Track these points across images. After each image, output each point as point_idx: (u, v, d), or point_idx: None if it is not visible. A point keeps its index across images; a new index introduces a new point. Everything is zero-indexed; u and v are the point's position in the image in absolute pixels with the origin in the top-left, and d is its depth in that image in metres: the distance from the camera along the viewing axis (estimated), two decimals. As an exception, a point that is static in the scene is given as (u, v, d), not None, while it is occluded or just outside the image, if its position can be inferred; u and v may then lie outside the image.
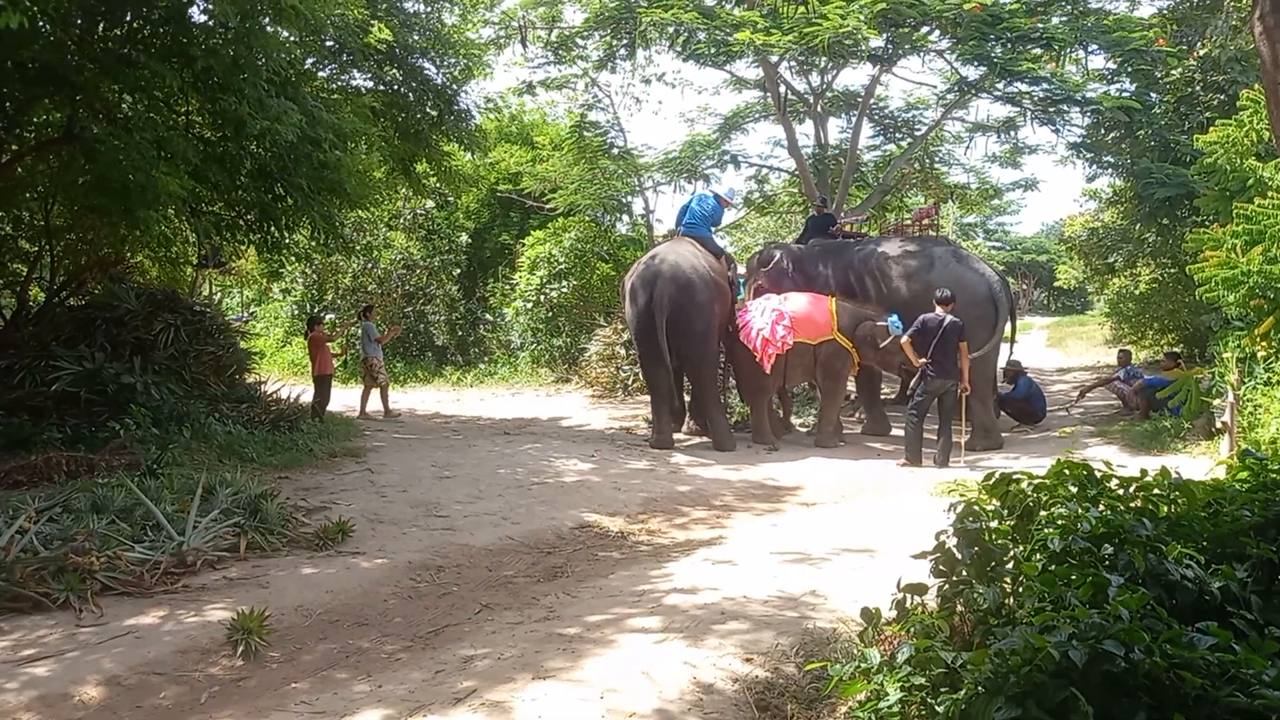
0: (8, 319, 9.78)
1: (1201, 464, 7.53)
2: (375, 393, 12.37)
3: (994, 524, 3.04)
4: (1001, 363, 11.35)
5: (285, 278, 18.03)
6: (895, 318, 9.73)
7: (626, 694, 3.52)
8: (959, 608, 2.76)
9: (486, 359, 18.29)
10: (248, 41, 7.01)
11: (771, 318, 10.32)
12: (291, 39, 7.65)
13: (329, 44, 9.66)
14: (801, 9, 11.46)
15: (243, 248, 10.97)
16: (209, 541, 5.42)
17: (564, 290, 17.05)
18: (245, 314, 20.08)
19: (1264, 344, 8.07)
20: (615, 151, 16.86)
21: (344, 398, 13.73)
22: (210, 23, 7.24)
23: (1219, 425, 8.14)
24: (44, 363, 8.51)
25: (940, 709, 2.21)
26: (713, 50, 13.12)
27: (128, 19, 6.91)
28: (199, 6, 7.38)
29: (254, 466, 7.78)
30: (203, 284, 15.44)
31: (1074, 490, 3.20)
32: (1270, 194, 8.56)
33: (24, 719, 3.39)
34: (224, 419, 8.87)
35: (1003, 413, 11.23)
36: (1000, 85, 14.30)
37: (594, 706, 3.43)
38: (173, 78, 6.97)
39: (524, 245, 18.20)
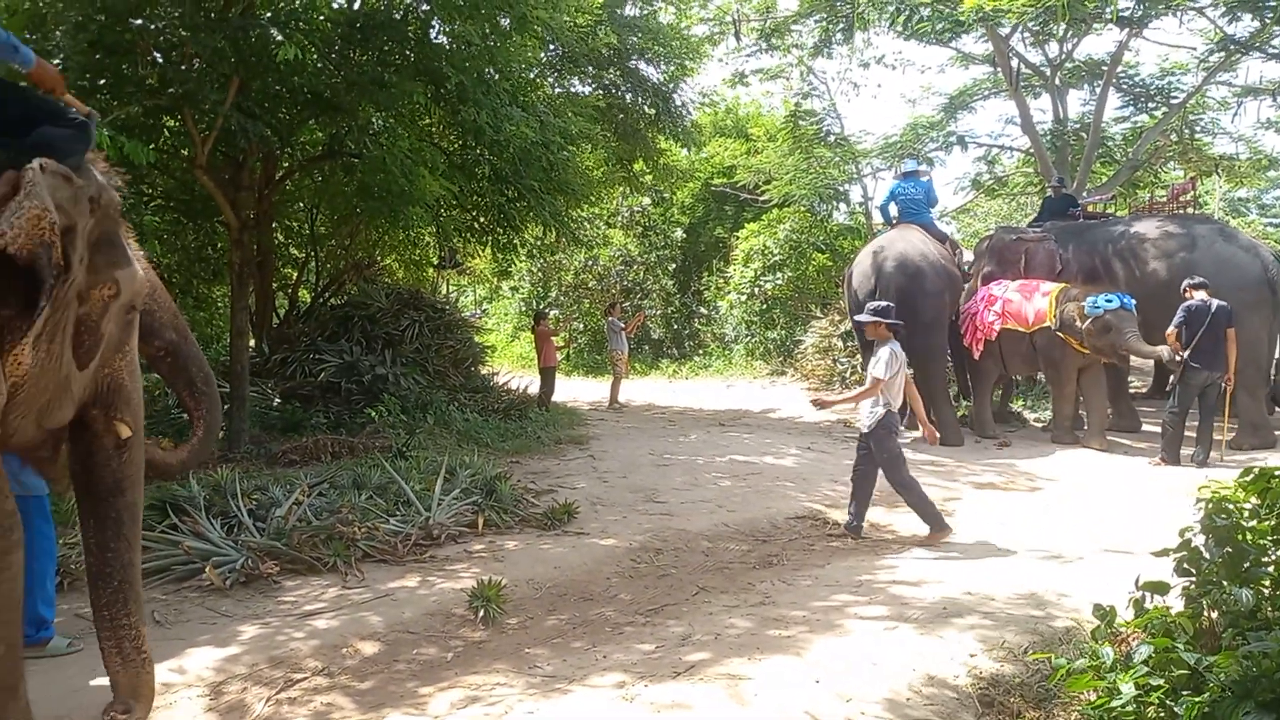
0: (281, 317, 11.09)
1: None
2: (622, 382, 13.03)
3: (1251, 523, 2.76)
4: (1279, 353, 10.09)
5: (513, 276, 19.16)
6: (1097, 298, 8.86)
7: (844, 677, 3.52)
8: (1206, 609, 2.54)
9: (701, 351, 18.54)
10: (489, 57, 7.57)
11: (985, 303, 9.84)
12: (527, 50, 8.18)
13: (555, 51, 10.19)
14: None
15: (479, 248, 11.80)
16: (451, 517, 5.91)
17: (778, 282, 16.96)
18: (478, 310, 21.55)
19: None
20: (831, 139, 16.57)
21: (568, 388, 14.44)
22: (452, 43, 7.86)
23: None
24: (311, 356, 9.59)
25: (1180, 711, 2.06)
26: (937, 26, 12.56)
27: (381, 43, 7.65)
28: (439, 28, 8.03)
29: (488, 451, 8.37)
30: (441, 283, 16.72)
31: (1350, 488, 2.84)
32: None
33: (310, 664, 3.88)
34: (462, 407, 9.60)
35: (1278, 409, 9.99)
36: (1277, 41, 12.70)
37: (810, 688, 3.45)
38: (419, 95, 7.65)
39: (738, 238, 18.29)
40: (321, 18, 7.59)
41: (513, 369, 15.46)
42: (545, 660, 3.93)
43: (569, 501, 6.47)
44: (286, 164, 9.42)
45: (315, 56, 7.12)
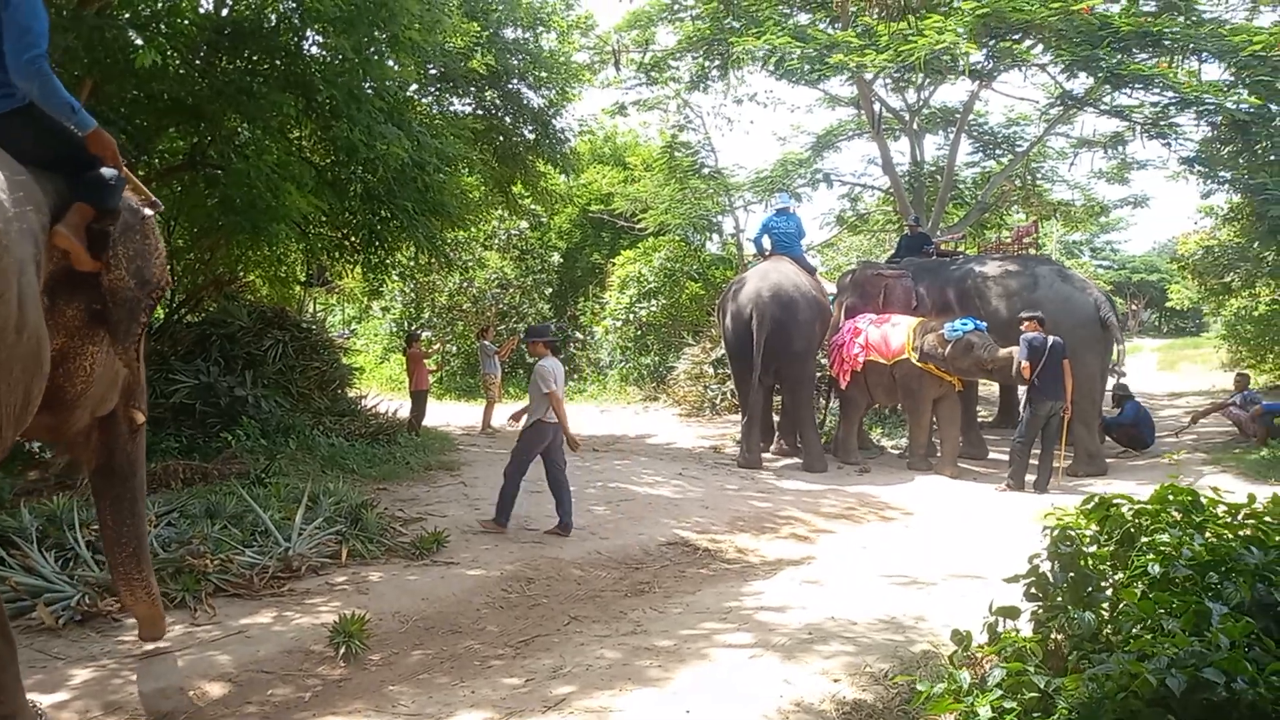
0: (133, 334, 10.39)
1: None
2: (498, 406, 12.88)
3: (1092, 549, 2.95)
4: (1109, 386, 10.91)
5: (385, 296, 18.68)
6: (954, 324, 9.45)
7: (711, 708, 3.54)
8: (1053, 633, 2.70)
9: (576, 376, 18.55)
10: (363, 71, 7.38)
11: (850, 335, 10.32)
12: (400, 69, 8.01)
13: (433, 71, 10.04)
14: (897, 25, 11.33)
15: (349, 267, 11.45)
16: (313, 548, 5.65)
17: (653, 309, 17.19)
18: (347, 331, 20.88)
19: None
20: (706, 171, 16.97)
21: (439, 412, 14.13)
22: (325, 55, 7.64)
23: (1346, 454, 7.67)
24: (164, 376, 9.03)
25: (1032, 734, 2.17)
26: (806, 69, 13.09)
27: (249, 52, 7.35)
28: (312, 40, 7.79)
29: (354, 477, 8.07)
30: (308, 302, 16.13)
31: (1178, 516, 3.09)
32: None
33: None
34: (327, 431, 9.23)
35: (1108, 438, 10.79)
36: (1107, 98, 13.85)
37: (682, 718, 3.46)
38: (290, 107, 7.38)
39: (614, 264, 18.45)
40: (185, 22, 7.23)
41: (382, 392, 15.02)
42: (409, 698, 3.80)
43: (439, 530, 6.31)
44: (143, 173, 8.89)
45: (178, 62, 6.76)
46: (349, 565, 5.66)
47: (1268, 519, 3.05)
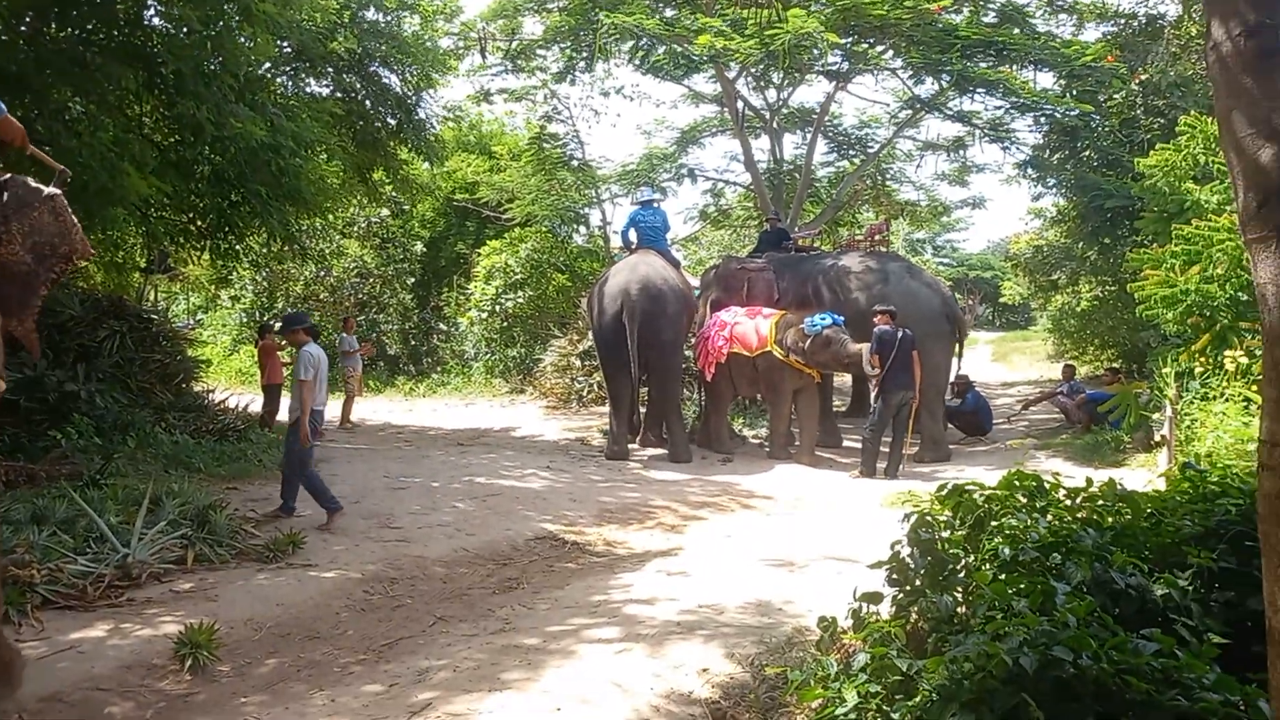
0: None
1: (1141, 476, 7.76)
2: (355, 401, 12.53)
3: (946, 534, 3.11)
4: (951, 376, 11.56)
5: (234, 285, 17.73)
6: (814, 319, 9.81)
7: (581, 705, 3.53)
8: (914, 616, 2.82)
9: (440, 369, 18.15)
10: (211, 46, 6.92)
11: (716, 328, 10.53)
12: (253, 44, 7.55)
13: (288, 49, 9.55)
14: (766, 12, 11.60)
15: (195, 254, 10.77)
16: (155, 554, 5.29)
17: (519, 301, 17.01)
18: (192, 321, 19.68)
19: (1200, 360, 8.34)
20: (574, 163, 16.90)
21: (294, 407, 13.55)
22: (169, 27, 7.13)
23: (1158, 438, 8.40)
24: (-19, 369, 8.25)
25: (896, 715, 2.26)
26: (671, 64, 13.24)
27: (83, 20, 6.77)
28: (155, 9, 7.26)
29: (201, 477, 7.62)
30: (149, 290, 15.11)
31: (1024, 501, 3.29)
32: (1207, 216, 8.89)
33: (-39, 737, 3.29)
34: (170, 428, 8.67)
35: (951, 425, 11.44)
36: (952, 103, 14.67)
37: (550, 717, 3.42)
38: (129, 81, 6.84)
39: (480, 255, 18.13)
40: (8, -16, 6.60)
41: (232, 386, 14.25)
42: (263, 711, 3.62)
43: (294, 531, 6.02)
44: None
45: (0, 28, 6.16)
46: (196, 571, 5.33)
47: (1102, 502, 3.30)
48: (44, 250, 3.35)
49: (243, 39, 7.53)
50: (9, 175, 3.40)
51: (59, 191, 3.46)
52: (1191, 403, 8.04)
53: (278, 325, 15.50)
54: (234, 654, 4.22)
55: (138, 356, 9.31)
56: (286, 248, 10.16)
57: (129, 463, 7.50)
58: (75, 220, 3.50)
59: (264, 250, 11.17)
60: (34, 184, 3.43)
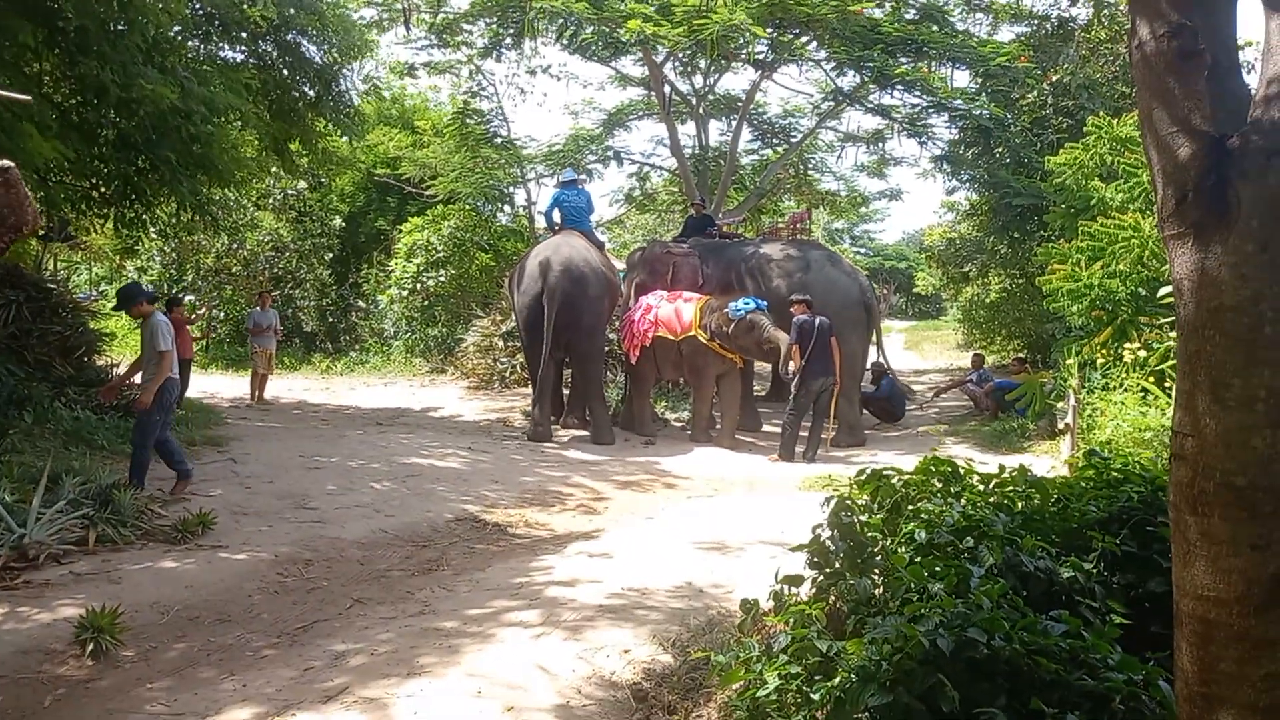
0: None
1: (1044, 462, 8.09)
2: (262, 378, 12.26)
3: (865, 518, 3.19)
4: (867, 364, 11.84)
5: (141, 255, 16.97)
6: (737, 304, 9.94)
7: (502, 689, 3.51)
8: (833, 598, 2.89)
9: (358, 347, 17.75)
10: (117, 3, 6.56)
11: (641, 312, 10.57)
12: (162, 4, 7.17)
13: (200, 12, 9.13)
14: (692, 1, 11.62)
15: (99, 222, 10.25)
16: (54, 534, 5.06)
17: (441, 279, 16.73)
18: (94, 292, 18.79)
19: (1102, 352, 8.74)
20: (498, 141, 16.66)
21: (204, 383, 13.08)
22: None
23: (1061, 426, 8.77)
24: None
25: (816, 696, 2.31)
26: (600, 45, 13.15)
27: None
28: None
29: (105, 454, 7.31)
30: (48, 259, 14.37)
31: (939, 486, 3.40)
32: (1112, 213, 9.29)
33: None
34: (71, 403, 8.28)
35: (866, 410, 11.72)
36: (873, 97, 14.97)
37: (471, 702, 3.40)
38: (26, 36, 6.43)
39: (401, 231, 17.76)
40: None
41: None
42: (169, 697, 3.50)
43: (204, 511, 5.83)
44: None
45: None
46: (98, 552, 5.12)
47: (1012, 488, 3.43)
48: None
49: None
50: None
51: (11, 165, 3.60)
52: (1093, 392, 8.41)
53: (187, 299, 15.01)
54: (139, 638, 4.07)
55: (35, 328, 8.85)
56: (197, 218, 9.75)
57: (25, 439, 7.13)
58: (27, 193, 3.63)
59: (173, 220, 10.70)
60: None
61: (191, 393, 10.91)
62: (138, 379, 6.68)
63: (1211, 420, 1.70)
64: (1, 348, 8.33)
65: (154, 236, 11.96)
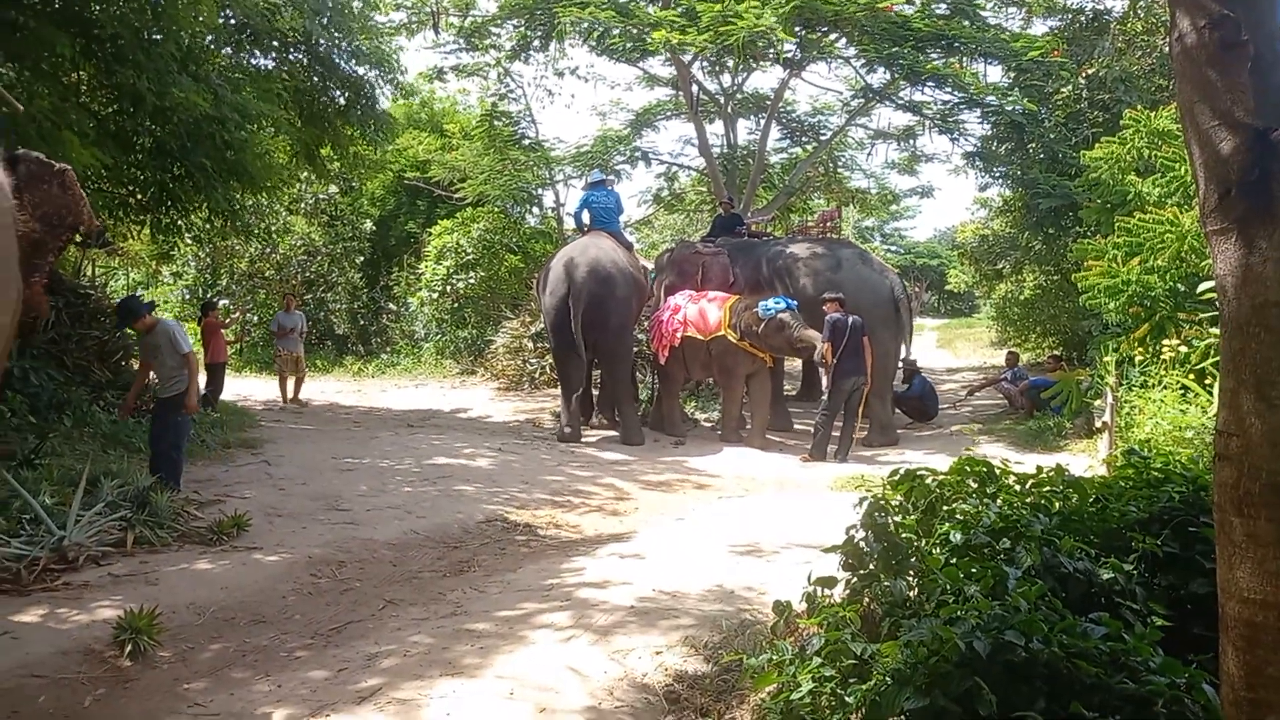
0: None
1: (1081, 461, 7.95)
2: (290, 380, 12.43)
3: (899, 519, 3.15)
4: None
5: (177, 261, 17.25)
6: (767, 303, 9.86)
7: (534, 690, 3.50)
8: (867, 600, 2.85)
9: (389, 349, 17.90)
10: (153, 12, 6.67)
11: (670, 312, 10.54)
12: (195, 14, 7.27)
13: (232, 21, 9.26)
14: (718, 7, 11.58)
15: (136, 228, 10.43)
16: (93, 536, 5.15)
17: (471, 281, 16.83)
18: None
19: (1140, 348, 8.57)
20: (526, 143, 16.73)
21: (237, 386, 13.25)
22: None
23: (1098, 425, 8.61)
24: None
25: (850, 699, 2.28)
26: (627, 46, 13.15)
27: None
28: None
29: (142, 457, 7.40)
30: (86, 265, 14.63)
31: (974, 486, 3.34)
32: (1149, 208, 9.11)
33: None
34: (109, 407, 8.43)
35: (898, 410, 11.61)
36: (903, 93, 14.82)
37: (503, 703, 3.40)
38: (65, 47, 6.56)
39: (430, 234, 17.88)
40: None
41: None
42: (205, 696, 3.53)
43: (239, 513, 5.90)
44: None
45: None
46: (136, 554, 5.20)
47: (1049, 488, 3.37)
48: (53, 220, 3.69)
49: (185, 4, 7.26)
50: (22, 150, 3.74)
51: (68, 167, 3.81)
52: (1131, 390, 8.26)
53: (221, 303, 15.21)
54: (176, 639, 4.12)
55: (74, 333, 9.02)
56: (230, 224, 9.88)
57: (65, 442, 7.28)
58: (82, 193, 3.81)
59: (207, 226, 10.86)
60: (45, 159, 3.77)
61: (226, 395, 11.07)
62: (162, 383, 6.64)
63: (1257, 419, 1.65)
64: (41, 353, 8.49)
65: (189, 242, 12.14)
